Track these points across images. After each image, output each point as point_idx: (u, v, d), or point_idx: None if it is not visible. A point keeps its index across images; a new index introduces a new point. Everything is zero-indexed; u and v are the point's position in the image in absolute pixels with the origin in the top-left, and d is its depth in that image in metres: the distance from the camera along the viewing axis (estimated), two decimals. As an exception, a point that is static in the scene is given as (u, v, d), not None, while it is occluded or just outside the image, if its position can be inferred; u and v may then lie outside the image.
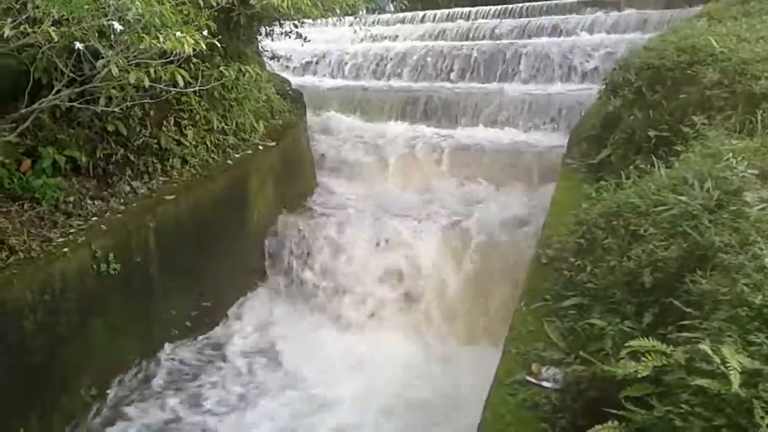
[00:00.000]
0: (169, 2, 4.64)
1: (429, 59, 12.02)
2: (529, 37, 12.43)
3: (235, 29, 6.93)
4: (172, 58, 4.63)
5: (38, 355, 4.73)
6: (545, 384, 3.35)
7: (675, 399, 2.27)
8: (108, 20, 4.32)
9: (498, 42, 12.17)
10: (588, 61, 10.42)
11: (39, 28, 4.23)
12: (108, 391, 5.46)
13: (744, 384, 2.00)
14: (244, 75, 6.63)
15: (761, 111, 4.44)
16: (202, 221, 6.45)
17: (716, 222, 3.26)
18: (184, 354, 6.19)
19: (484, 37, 13.14)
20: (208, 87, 5.66)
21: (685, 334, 2.68)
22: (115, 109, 5.22)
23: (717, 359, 2.03)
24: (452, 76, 11.60)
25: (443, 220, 7.60)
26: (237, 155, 7.21)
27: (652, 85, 5.91)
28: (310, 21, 8.56)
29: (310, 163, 8.83)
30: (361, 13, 9.61)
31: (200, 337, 6.46)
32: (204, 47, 4.64)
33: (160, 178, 6.36)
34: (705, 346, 2.11)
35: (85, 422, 5.19)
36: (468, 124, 10.03)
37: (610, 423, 2.66)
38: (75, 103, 5.04)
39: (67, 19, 4.24)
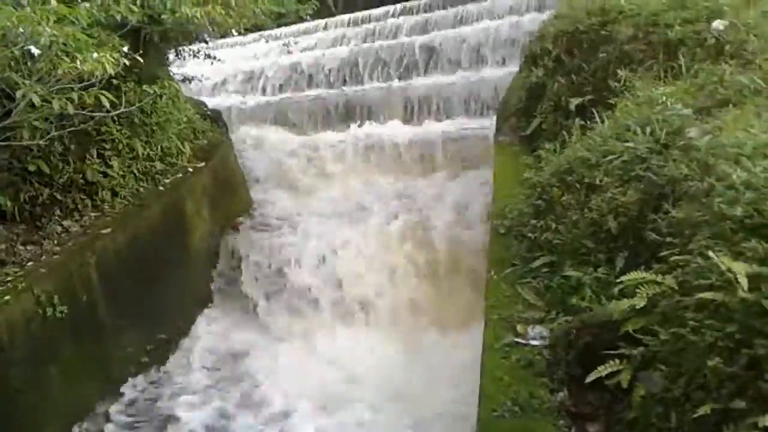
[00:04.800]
0: (82, 23, 4.46)
1: (342, 65, 11.99)
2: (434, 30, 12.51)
3: (146, 50, 6.69)
4: (93, 81, 4.45)
5: (-6, 411, 4.42)
6: (534, 342, 3.38)
7: (678, 322, 2.32)
8: (19, 48, 4.12)
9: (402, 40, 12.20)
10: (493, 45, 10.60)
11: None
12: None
13: (748, 289, 2.06)
14: (161, 97, 6.49)
15: (681, 55, 4.63)
16: (143, 251, 6.18)
17: (670, 158, 3.37)
18: (145, 390, 5.91)
19: (389, 36, 13.15)
20: (126, 113, 5.50)
21: (665, 264, 2.75)
22: (33, 148, 4.96)
23: (723, 267, 2.07)
24: (369, 77, 11.61)
25: (384, 218, 7.58)
26: (167, 180, 6.94)
27: (570, 51, 6.07)
28: (224, 40, 8.38)
29: (241, 180, 8.62)
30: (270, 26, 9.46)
31: (160, 370, 6.17)
32: (126, 63, 4.48)
33: (92, 214, 6.05)
34: (714, 256, 2.14)
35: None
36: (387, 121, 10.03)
37: (611, 362, 2.70)
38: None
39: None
